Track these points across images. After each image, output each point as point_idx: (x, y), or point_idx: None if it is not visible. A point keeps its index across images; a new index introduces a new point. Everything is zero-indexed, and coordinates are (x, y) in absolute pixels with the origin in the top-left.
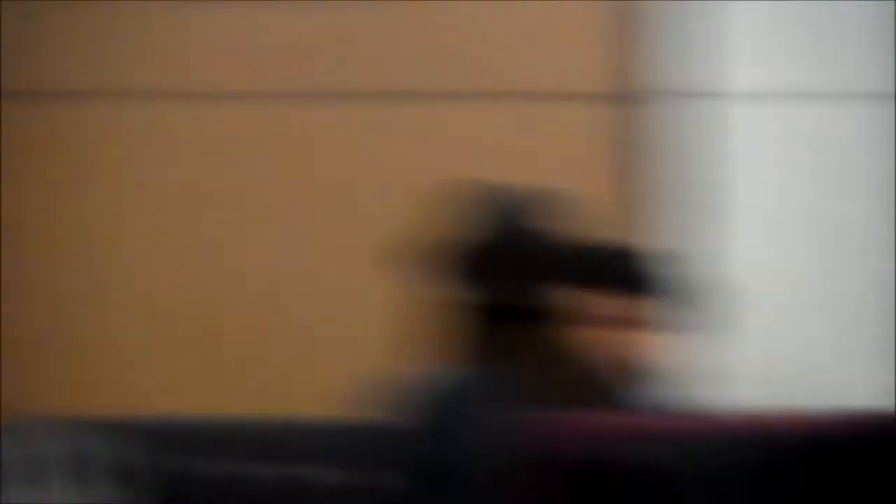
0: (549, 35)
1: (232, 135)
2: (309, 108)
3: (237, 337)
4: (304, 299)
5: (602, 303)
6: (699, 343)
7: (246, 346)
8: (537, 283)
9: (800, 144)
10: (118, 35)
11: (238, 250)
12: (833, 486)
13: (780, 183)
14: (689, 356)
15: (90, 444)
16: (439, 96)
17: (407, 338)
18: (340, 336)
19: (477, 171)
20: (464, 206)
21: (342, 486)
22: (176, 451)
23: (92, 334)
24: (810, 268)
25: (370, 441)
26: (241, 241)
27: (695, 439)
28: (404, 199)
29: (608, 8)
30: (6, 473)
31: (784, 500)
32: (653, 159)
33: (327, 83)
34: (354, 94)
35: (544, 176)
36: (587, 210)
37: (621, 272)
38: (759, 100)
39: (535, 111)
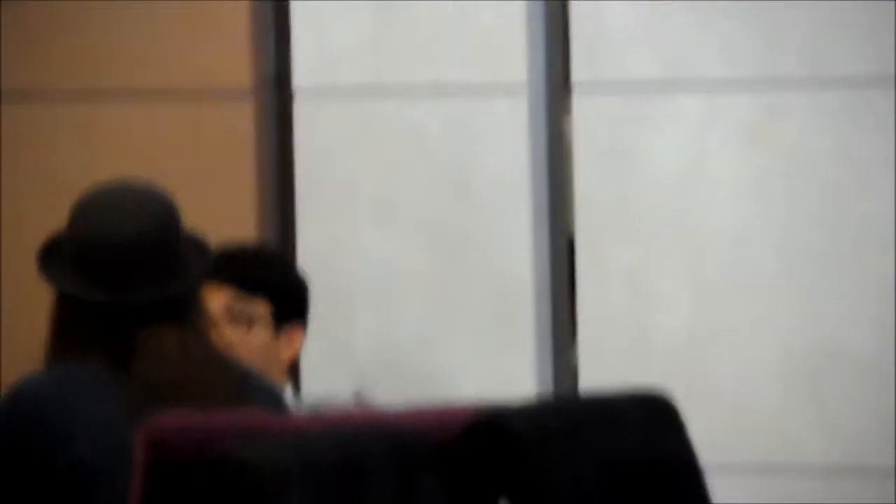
0: (189, 33)
1: None
2: None
3: None
4: None
5: (225, 301)
6: (307, 340)
7: None
8: (169, 282)
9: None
10: (113, 34)
11: None
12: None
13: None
14: (301, 353)
15: None
16: (83, 95)
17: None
18: None
19: (121, 170)
20: (86, 203)
21: None
22: None
23: None
24: (425, 255)
25: None
26: None
27: (310, 436)
28: (49, 199)
29: (250, 7)
30: None
31: (377, 493)
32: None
33: None
34: None
35: (186, 173)
36: (218, 210)
37: (245, 271)
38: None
39: (175, 109)
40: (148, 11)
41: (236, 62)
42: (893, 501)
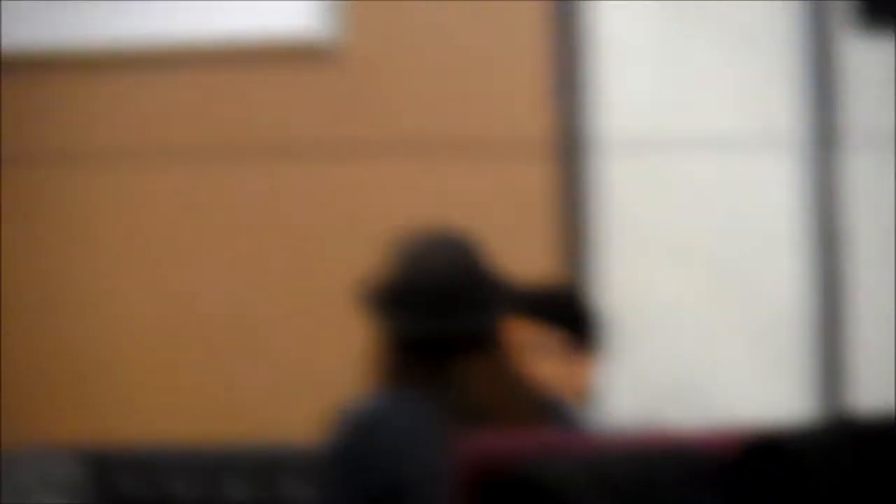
0: (493, 88)
1: (212, 192)
2: (278, 166)
3: (222, 370)
4: (278, 335)
5: (535, 333)
6: (601, 369)
7: (229, 377)
8: (478, 315)
9: (692, 188)
10: (100, 97)
11: (219, 294)
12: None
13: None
14: (595, 381)
15: (74, 472)
16: (391, 150)
17: (366, 368)
18: (310, 368)
19: (427, 219)
20: (403, 247)
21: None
22: (158, 476)
23: (89, 368)
24: (698, 299)
25: (317, 461)
26: (220, 285)
27: (605, 456)
28: (361, 245)
29: (551, 64)
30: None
31: None
32: (578, 206)
33: (289, 142)
34: (314, 150)
35: (487, 220)
36: (525, 253)
37: (557, 308)
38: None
39: (479, 162)
40: (445, 62)
41: (536, 116)
42: None
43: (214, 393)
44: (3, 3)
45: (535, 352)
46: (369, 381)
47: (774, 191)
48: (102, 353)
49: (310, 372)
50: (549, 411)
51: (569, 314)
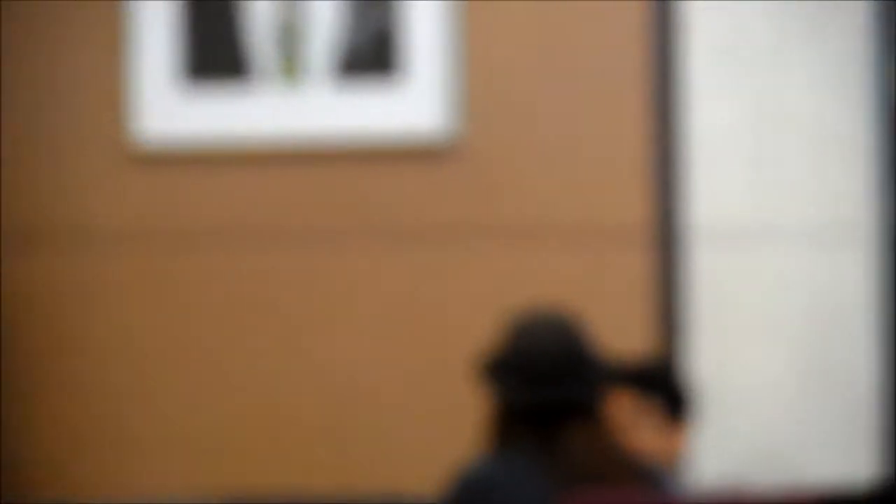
0: (598, 177)
1: (350, 273)
2: (402, 251)
3: (347, 430)
4: (401, 403)
5: (634, 404)
6: (692, 436)
7: (353, 437)
8: (580, 387)
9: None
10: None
11: (351, 363)
12: None
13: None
14: (686, 448)
15: None
16: (505, 235)
17: (481, 433)
18: (430, 433)
19: (537, 300)
20: (515, 325)
21: None
22: None
23: (223, 427)
24: (781, 375)
25: None
26: (350, 356)
27: None
28: (479, 323)
29: (651, 154)
30: None
31: None
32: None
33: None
34: (434, 236)
35: (591, 302)
36: (625, 332)
37: (653, 380)
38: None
39: (585, 247)
40: (554, 154)
41: (637, 203)
42: None
43: (338, 450)
44: (143, 97)
45: (633, 420)
46: (483, 446)
47: (853, 280)
48: (242, 411)
49: (429, 436)
50: (644, 475)
51: (664, 386)
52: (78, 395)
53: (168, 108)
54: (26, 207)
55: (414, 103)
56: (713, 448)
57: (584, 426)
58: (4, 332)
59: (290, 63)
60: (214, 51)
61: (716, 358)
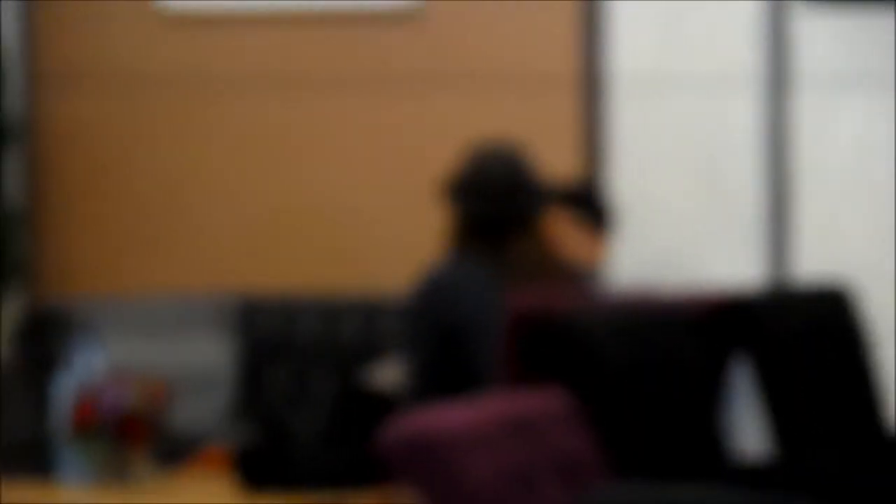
0: (533, 35)
1: (336, 119)
2: (378, 98)
3: (339, 239)
4: (381, 216)
5: (564, 218)
6: (612, 245)
7: (344, 244)
8: (525, 204)
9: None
10: None
11: (344, 187)
12: (705, 342)
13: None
14: (607, 254)
15: (226, 312)
16: (462, 83)
17: (442, 241)
18: (403, 240)
19: (489, 135)
20: (472, 154)
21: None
22: (288, 316)
23: (243, 233)
24: (689, 190)
25: (405, 306)
26: (343, 181)
27: (614, 308)
28: (442, 153)
29: (580, 11)
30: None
31: (669, 350)
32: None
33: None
34: (404, 86)
35: (531, 136)
36: (558, 161)
37: (581, 199)
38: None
39: (528, 93)
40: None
41: (568, 56)
42: None
43: (332, 255)
44: None
45: (564, 232)
46: (444, 251)
47: (741, 120)
48: (255, 224)
49: (402, 244)
50: (573, 277)
51: (589, 204)
52: (113, 210)
53: None
54: (69, 52)
55: None
56: (628, 255)
57: (525, 236)
58: (48, 156)
59: None
60: None
61: (631, 182)
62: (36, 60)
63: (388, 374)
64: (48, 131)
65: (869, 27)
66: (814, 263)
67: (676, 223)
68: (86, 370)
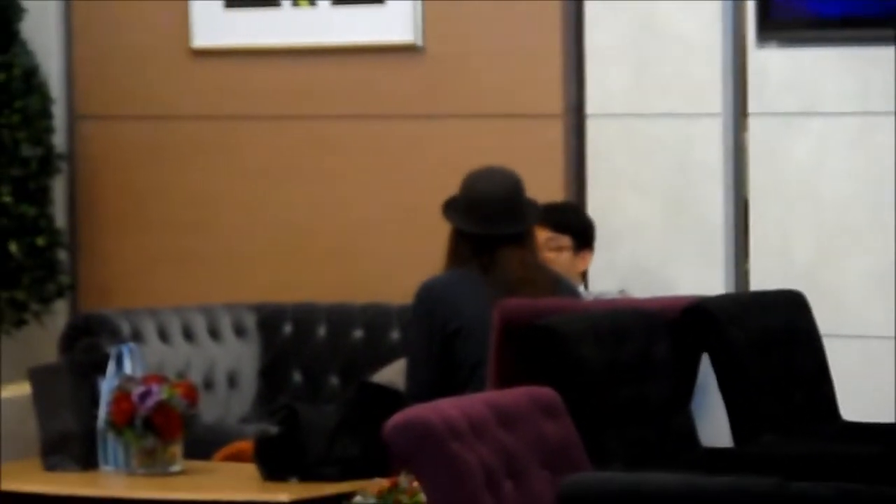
0: (523, 76)
1: (347, 144)
2: (383, 127)
3: (348, 256)
4: (391, 233)
5: (551, 235)
6: (592, 260)
7: (352, 260)
8: (516, 222)
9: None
10: None
11: (352, 209)
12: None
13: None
14: (588, 267)
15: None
16: (460, 116)
17: (443, 255)
18: (409, 254)
19: (485, 161)
20: (471, 177)
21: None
22: (304, 323)
23: (268, 250)
24: (659, 211)
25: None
26: (348, 207)
27: (593, 313)
28: (445, 179)
29: (562, 46)
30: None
31: (642, 350)
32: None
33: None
34: (410, 117)
35: (522, 163)
36: (545, 185)
37: (566, 218)
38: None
39: (520, 124)
40: (490, 56)
41: (554, 94)
42: None
43: (342, 271)
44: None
45: (551, 248)
46: (444, 264)
47: (705, 145)
48: (273, 243)
49: (405, 258)
50: (558, 287)
51: (573, 223)
52: (147, 232)
53: (216, 22)
54: (106, 90)
55: (391, 20)
56: (607, 269)
57: (517, 251)
58: (89, 184)
59: None
60: None
61: (608, 203)
62: (77, 99)
63: (391, 374)
64: (89, 162)
65: (818, 58)
66: (769, 278)
67: (648, 240)
68: (125, 372)
